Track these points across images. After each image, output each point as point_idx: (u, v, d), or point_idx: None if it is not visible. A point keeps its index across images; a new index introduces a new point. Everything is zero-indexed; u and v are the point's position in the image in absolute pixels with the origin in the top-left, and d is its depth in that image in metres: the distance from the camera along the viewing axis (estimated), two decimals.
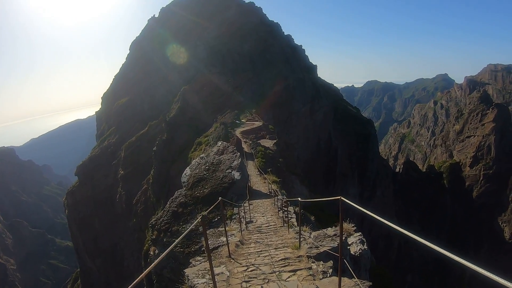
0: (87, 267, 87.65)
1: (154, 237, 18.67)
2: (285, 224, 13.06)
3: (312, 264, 8.12)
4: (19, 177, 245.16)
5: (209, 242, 10.69)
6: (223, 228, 12.75)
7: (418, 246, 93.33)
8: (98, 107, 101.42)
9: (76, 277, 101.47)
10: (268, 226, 14.06)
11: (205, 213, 13.17)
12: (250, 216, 16.11)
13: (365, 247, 10.75)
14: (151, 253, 19.48)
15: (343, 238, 9.32)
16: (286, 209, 14.32)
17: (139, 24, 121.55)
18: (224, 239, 10.68)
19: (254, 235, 12.52)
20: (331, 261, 8.07)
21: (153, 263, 3.84)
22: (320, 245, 8.94)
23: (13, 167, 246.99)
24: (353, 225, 11.59)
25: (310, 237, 10.20)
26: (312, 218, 23.34)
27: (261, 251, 9.79)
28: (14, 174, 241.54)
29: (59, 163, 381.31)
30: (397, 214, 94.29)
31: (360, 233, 11.45)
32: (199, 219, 6.03)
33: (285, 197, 19.24)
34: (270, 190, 21.98)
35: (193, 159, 26.98)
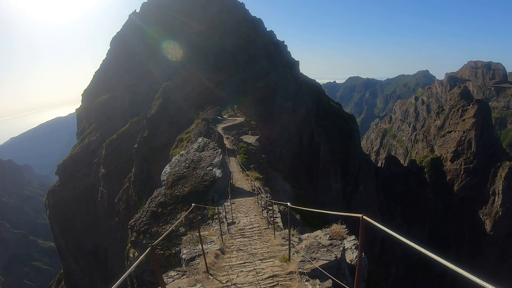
0: (70, 269, 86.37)
1: (133, 239, 18.26)
2: (270, 226, 12.40)
3: (306, 283, 6.95)
4: (0, 177, 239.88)
5: (184, 252, 10.49)
6: (203, 232, 12.17)
7: (401, 241, 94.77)
8: (79, 104, 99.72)
9: (60, 279, 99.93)
10: (252, 228, 13.23)
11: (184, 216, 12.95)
12: (232, 216, 15.21)
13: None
14: (131, 255, 19.38)
15: (340, 246, 8.73)
16: (270, 208, 13.70)
17: (120, 20, 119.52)
18: (204, 246, 9.83)
19: (237, 239, 11.63)
20: (330, 281, 6.90)
21: (130, 268, 3.76)
22: (315, 258, 7.83)
23: None
24: (344, 226, 10.34)
25: (300, 244, 9.15)
26: (298, 216, 22.84)
27: (244, 262, 8.75)
28: None
29: (40, 162, 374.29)
30: (379, 209, 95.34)
31: (354, 236, 10.47)
32: (180, 219, 5.79)
33: (268, 195, 18.74)
34: (253, 188, 21.20)
35: (174, 157, 26.40)
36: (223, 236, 11.72)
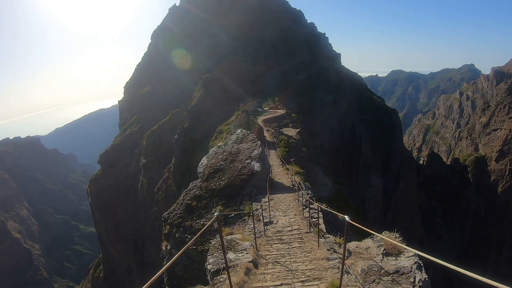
0: (109, 254, 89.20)
1: (166, 231, 17.66)
2: (312, 229, 11.49)
3: None
4: (45, 165, 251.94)
5: (210, 261, 9.35)
6: (236, 235, 11.17)
7: (443, 241, 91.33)
8: (121, 96, 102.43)
9: (99, 263, 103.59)
10: (291, 230, 12.07)
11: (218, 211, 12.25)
12: (270, 215, 14.10)
13: (425, 275, 6.94)
14: (163, 248, 18.36)
15: (411, 275, 6.80)
16: (311, 206, 12.55)
17: (161, 13, 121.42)
18: (234, 255, 8.89)
19: (274, 245, 10.45)
20: None
21: (165, 266, 3.59)
22: None
23: (39, 155, 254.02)
24: (398, 234, 8.49)
25: (350, 259, 7.81)
26: (340, 216, 21.50)
27: (281, 284, 7.34)
28: (39, 163, 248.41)
29: (83, 152, 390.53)
30: (420, 207, 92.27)
31: (414, 252, 7.36)
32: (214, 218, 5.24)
33: (310, 192, 17.46)
34: (293, 183, 19.98)
35: (211, 148, 25.76)
36: (257, 240, 10.57)
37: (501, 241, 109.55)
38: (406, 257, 7.75)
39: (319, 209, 11.53)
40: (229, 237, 10.84)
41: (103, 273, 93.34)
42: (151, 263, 67.04)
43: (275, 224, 13.00)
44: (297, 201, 16.41)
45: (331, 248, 8.96)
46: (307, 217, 12.94)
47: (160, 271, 3.32)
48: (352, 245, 9.02)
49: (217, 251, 9.74)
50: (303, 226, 12.40)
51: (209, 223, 6.23)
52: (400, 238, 8.51)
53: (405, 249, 7.80)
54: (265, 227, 12.41)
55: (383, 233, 9.59)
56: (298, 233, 11.60)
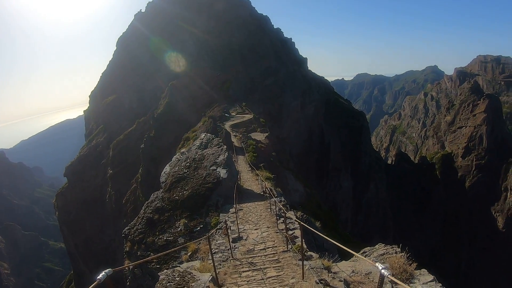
0: (80, 270, 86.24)
1: (127, 249, 16.05)
2: (290, 246, 9.85)
3: None
4: (10, 180, 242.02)
5: None
6: (194, 262, 9.75)
7: (415, 238, 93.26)
8: (87, 106, 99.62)
9: (70, 280, 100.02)
10: (265, 249, 10.35)
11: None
12: (238, 228, 12.38)
13: None
14: (126, 268, 17.09)
15: (407, 282, 6.01)
16: (285, 216, 10.47)
17: (126, 20, 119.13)
18: None
19: (243, 273, 8.73)
20: None
21: None
22: None
23: (4, 169, 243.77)
24: (404, 253, 7.28)
25: None
26: (318, 224, 20.26)
27: None
28: (5, 177, 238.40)
29: (50, 165, 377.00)
30: (391, 207, 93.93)
31: (432, 276, 6.53)
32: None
33: (283, 199, 16.29)
34: (264, 189, 18.69)
35: (175, 155, 24.14)
36: (223, 267, 9.17)
37: (472, 235, 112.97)
38: (423, 284, 6.32)
39: (297, 221, 10.11)
40: (185, 265, 9.35)
41: None
42: (123, 277, 65.02)
43: (245, 240, 11.39)
44: (269, 210, 14.99)
45: (321, 281, 7.08)
46: (282, 229, 11.40)
47: None
48: (345, 268, 7.57)
49: (170, 283, 7.93)
50: (278, 242, 10.73)
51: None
52: (407, 257, 7.19)
53: (415, 269, 6.82)
54: (233, 245, 10.79)
55: (377, 245, 8.92)
56: (273, 253, 9.90)
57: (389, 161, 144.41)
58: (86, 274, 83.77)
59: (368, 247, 9.62)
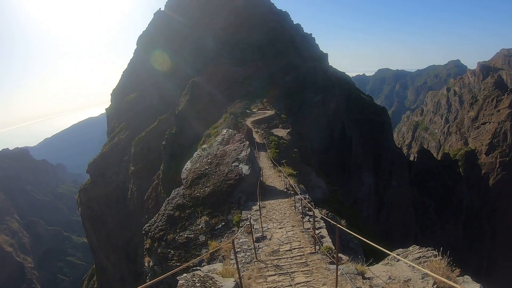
0: (102, 264, 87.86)
1: (148, 246, 15.77)
2: (318, 248, 9.27)
3: None
4: (34, 176, 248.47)
5: None
6: (216, 265, 8.85)
7: (437, 236, 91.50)
8: (109, 104, 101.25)
9: (92, 274, 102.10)
10: (291, 250, 9.74)
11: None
12: (262, 227, 11.73)
13: None
14: (146, 264, 16.36)
15: None
16: (310, 213, 9.98)
17: (147, 18, 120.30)
18: None
19: (269, 277, 8.11)
20: None
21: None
22: None
23: (28, 167, 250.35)
24: (434, 250, 6.97)
25: None
26: (343, 222, 19.44)
27: None
28: (29, 174, 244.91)
29: (73, 162, 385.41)
30: (413, 204, 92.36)
31: (478, 285, 5.85)
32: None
33: (307, 196, 15.35)
34: (287, 186, 18.08)
35: (196, 152, 23.39)
36: (247, 270, 8.56)
37: (494, 233, 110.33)
38: None
39: (320, 215, 9.66)
40: (206, 268, 8.42)
41: (97, 284, 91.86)
42: (144, 272, 65.85)
43: (269, 240, 10.75)
44: (293, 207, 14.32)
45: (350, 279, 6.81)
46: (308, 228, 10.96)
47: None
48: (379, 273, 6.91)
49: None
50: (305, 243, 10.09)
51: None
52: (449, 262, 6.55)
53: (459, 275, 6.22)
54: (257, 245, 10.14)
55: (411, 248, 8.24)
56: (300, 255, 9.26)
57: (411, 158, 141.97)
58: (108, 268, 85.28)
59: (401, 249, 9.04)
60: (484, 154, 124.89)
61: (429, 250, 7.47)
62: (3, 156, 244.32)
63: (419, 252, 8.04)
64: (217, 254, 11.51)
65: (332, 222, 9.06)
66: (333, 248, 8.86)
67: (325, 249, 8.78)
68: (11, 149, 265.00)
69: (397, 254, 7.87)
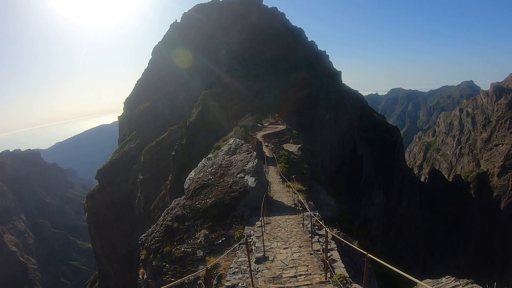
0: (105, 271, 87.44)
1: (143, 257, 14.85)
2: (330, 276, 7.89)
3: None
4: (44, 179, 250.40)
5: None
6: None
7: (446, 259, 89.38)
8: (122, 112, 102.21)
9: (95, 280, 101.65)
10: (296, 276, 8.24)
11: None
12: (264, 246, 10.36)
13: None
14: (140, 276, 15.44)
15: None
16: (320, 233, 9.07)
17: (162, 30, 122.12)
18: None
19: None
20: None
21: None
22: None
23: (38, 169, 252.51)
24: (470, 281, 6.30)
25: None
26: (356, 243, 18.15)
27: None
28: (39, 176, 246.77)
29: (83, 167, 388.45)
30: (423, 226, 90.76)
31: None
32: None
33: (317, 213, 14.27)
34: (296, 202, 16.91)
35: (200, 161, 22.66)
36: None
37: (506, 258, 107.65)
38: None
39: (331, 235, 8.08)
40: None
41: None
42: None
43: (271, 261, 9.35)
44: (301, 225, 13.07)
45: None
46: (317, 250, 9.69)
47: None
48: None
49: None
50: (313, 268, 8.60)
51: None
52: None
53: None
54: (257, 266, 8.94)
55: (444, 279, 7.54)
56: (307, 284, 7.75)
57: (422, 179, 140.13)
58: (111, 276, 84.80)
59: (429, 279, 8.30)
60: (496, 176, 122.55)
61: (468, 283, 6.59)
62: (14, 156, 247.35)
63: (455, 283, 7.16)
64: (214, 272, 10.80)
65: (359, 249, 6.88)
66: (347, 276, 7.72)
67: (338, 278, 7.44)
68: (23, 150, 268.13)
69: (432, 286, 6.87)
